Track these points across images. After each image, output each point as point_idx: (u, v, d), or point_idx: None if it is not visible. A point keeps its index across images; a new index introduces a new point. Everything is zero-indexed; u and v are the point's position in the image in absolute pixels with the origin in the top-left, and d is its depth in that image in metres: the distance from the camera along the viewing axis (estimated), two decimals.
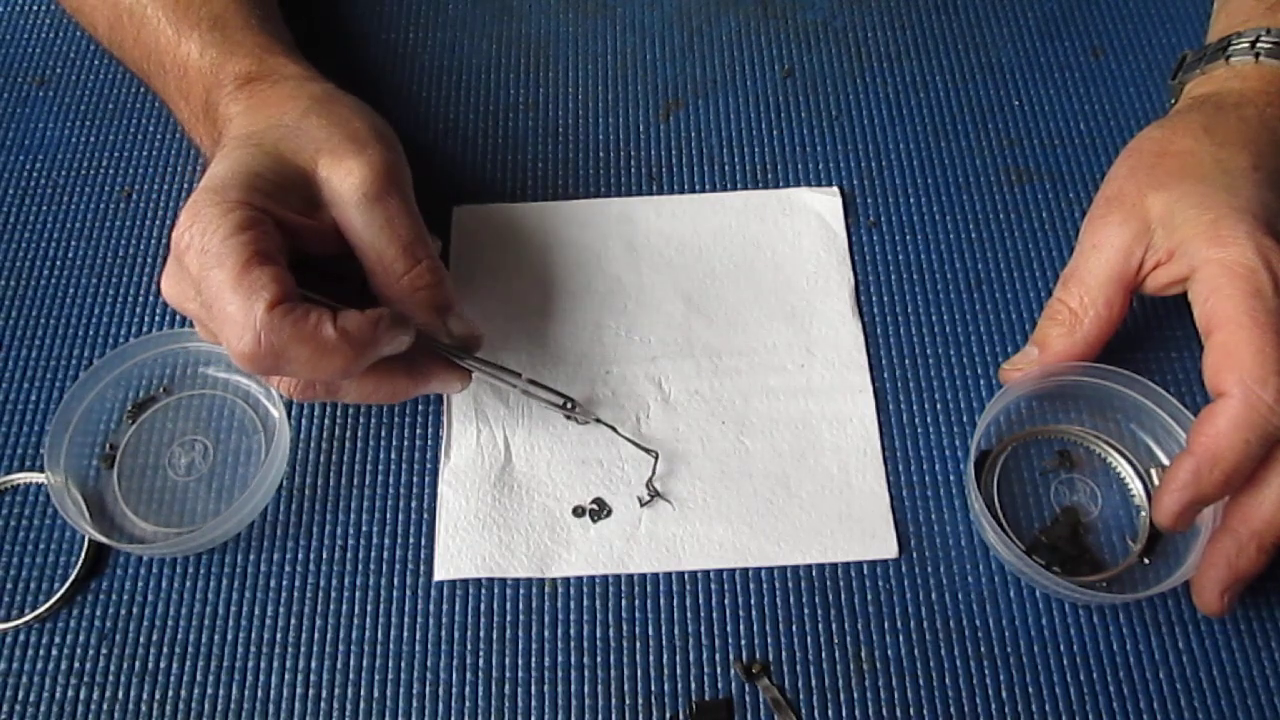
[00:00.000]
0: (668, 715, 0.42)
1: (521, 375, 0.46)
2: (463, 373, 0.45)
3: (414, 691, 0.43)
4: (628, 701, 0.42)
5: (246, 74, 0.47)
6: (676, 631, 0.44)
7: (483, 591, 0.45)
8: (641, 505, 0.46)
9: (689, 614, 0.44)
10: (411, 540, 0.46)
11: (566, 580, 0.45)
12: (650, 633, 0.44)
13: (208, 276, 0.38)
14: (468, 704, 0.43)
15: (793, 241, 0.53)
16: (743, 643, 0.44)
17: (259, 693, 0.43)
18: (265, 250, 0.39)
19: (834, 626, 0.44)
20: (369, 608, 0.44)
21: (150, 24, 0.50)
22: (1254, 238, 0.41)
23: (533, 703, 0.43)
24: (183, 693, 0.43)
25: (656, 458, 0.47)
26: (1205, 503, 0.40)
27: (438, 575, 0.45)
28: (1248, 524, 0.40)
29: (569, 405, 0.47)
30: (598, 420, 0.48)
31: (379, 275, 0.43)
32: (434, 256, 0.44)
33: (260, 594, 0.45)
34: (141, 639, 0.44)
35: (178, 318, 0.51)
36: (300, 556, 0.46)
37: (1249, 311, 0.40)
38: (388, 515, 0.46)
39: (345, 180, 0.42)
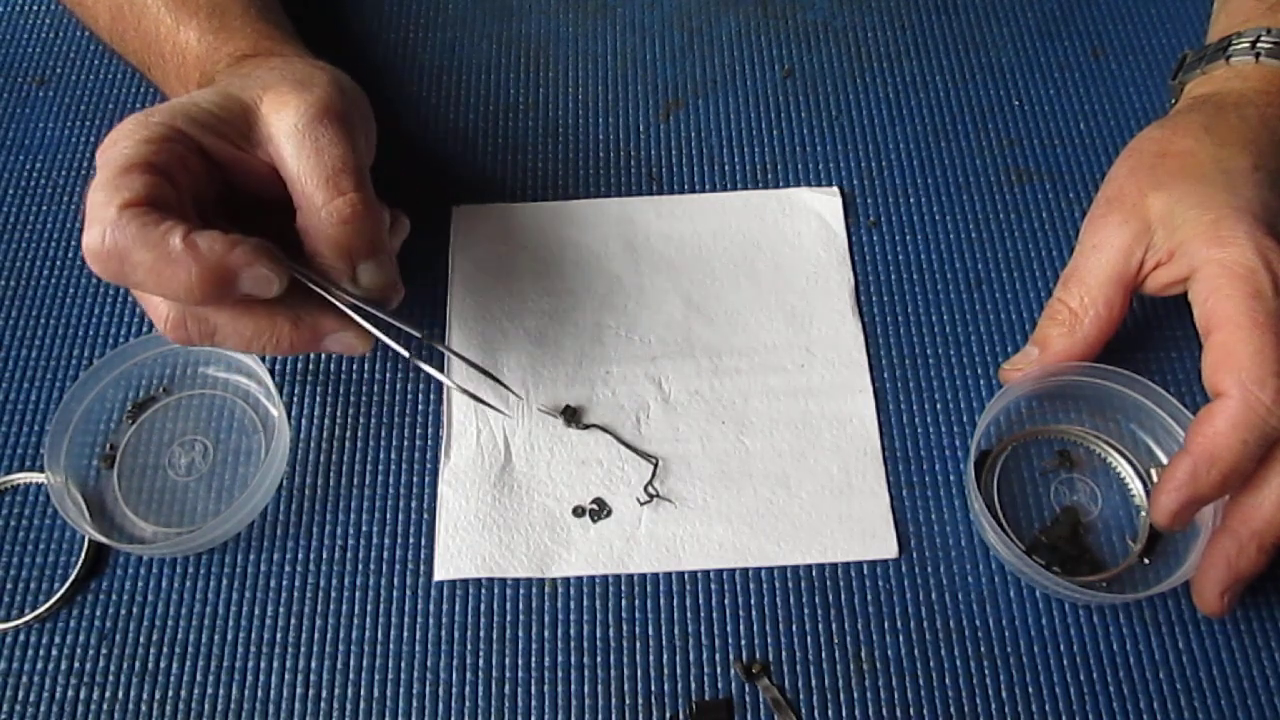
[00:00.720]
0: (668, 715, 0.42)
1: (420, 335, 0.43)
2: (360, 332, 0.42)
3: (414, 691, 0.43)
4: (628, 701, 0.42)
5: (242, 53, 0.48)
6: (676, 631, 0.44)
7: (483, 591, 0.45)
8: (641, 505, 0.46)
9: (689, 614, 0.44)
10: (411, 540, 0.46)
11: (566, 580, 0.45)
12: (650, 633, 0.44)
13: (93, 180, 0.38)
14: (468, 704, 0.43)
15: (793, 241, 0.53)
16: (743, 643, 0.44)
17: (259, 693, 0.43)
18: (158, 163, 0.38)
19: (834, 626, 0.44)
20: (369, 608, 0.44)
21: (150, 13, 0.51)
22: (1254, 238, 0.41)
23: (533, 703, 0.43)
24: (183, 693, 0.43)
25: (656, 464, 0.47)
26: (1202, 502, 0.40)
27: (438, 575, 0.45)
28: (1248, 524, 0.40)
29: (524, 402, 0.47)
30: (597, 427, 0.47)
31: (301, 207, 0.41)
32: (365, 191, 0.42)
33: (260, 594, 0.45)
34: (141, 639, 0.44)
35: None
36: (300, 556, 0.46)
37: (1248, 312, 0.40)
38: (388, 515, 0.46)
39: (280, 112, 0.42)
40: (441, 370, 0.46)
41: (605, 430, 0.47)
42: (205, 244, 0.37)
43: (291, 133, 0.41)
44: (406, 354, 0.43)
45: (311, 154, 0.41)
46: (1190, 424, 0.41)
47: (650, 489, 0.46)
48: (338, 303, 0.41)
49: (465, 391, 0.45)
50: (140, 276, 0.37)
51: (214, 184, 0.42)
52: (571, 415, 0.48)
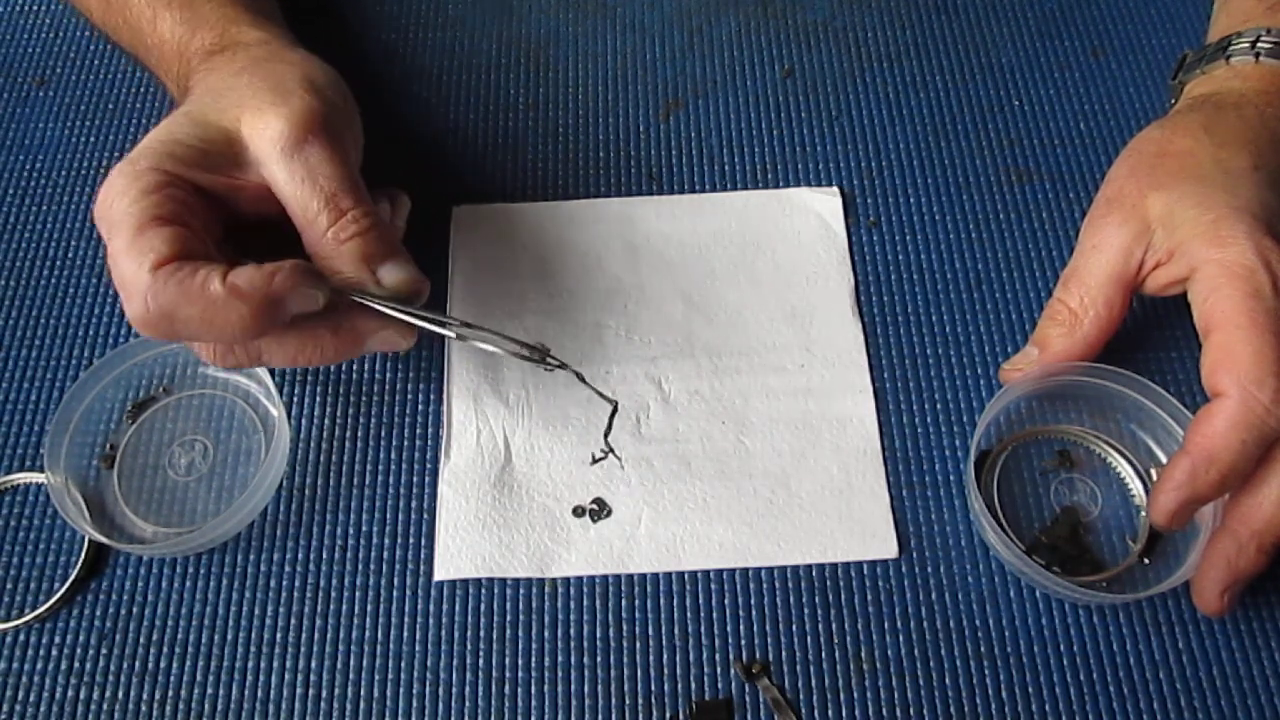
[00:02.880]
0: (668, 715, 0.42)
1: (456, 320, 0.44)
2: (404, 328, 0.43)
3: (414, 691, 0.43)
4: (628, 701, 0.42)
5: (210, 47, 0.47)
6: (676, 631, 0.44)
7: (483, 591, 0.45)
8: (593, 462, 0.46)
9: (689, 614, 0.44)
10: (411, 540, 0.46)
11: (566, 580, 0.45)
12: (650, 633, 0.44)
13: (110, 244, 0.38)
14: (468, 704, 0.43)
15: (793, 241, 0.53)
16: (743, 643, 0.44)
17: (259, 693, 0.43)
18: (168, 214, 0.38)
19: (834, 626, 0.44)
20: (369, 608, 0.44)
21: (133, 5, 0.51)
22: (1253, 238, 0.41)
23: (533, 703, 0.43)
24: (183, 693, 0.43)
25: (615, 408, 0.46)
26: (1201, 502, 0.40)
27: (438, 575, 0.45)
28: (1247, 524, 0.40)
29: (526, 349, 0.44)
30: (562, 366, 0.46)
31: (305, 231, 0.42)
32: (364, 204, 0.42)
33: (260, 594, 0.45)
34: (141, 639, 0.44)
35: None
36: (300, 556, 0.46)
37: (1247, 312, 0.40)
38: (388, 515, 0.46)
39: (263, 134, 0.41)
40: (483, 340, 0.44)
41: (568, 368, 0.46)
42: (245, 280, 0.37)
43: (279, 157, 0.41)
44: (453, 335, 0.43)
45: (304, 178, 0.41)
46: (1189, 424, 0.41)
47: (605, 444, 0.45)
48: (376, 305, 0.42)
49: (523, 355, 0.44)
50: (193, 329, 0.37)
51: (219, 216, 0.41)
52: (542, 354, 0.45)
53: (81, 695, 0.43)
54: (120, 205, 0.38)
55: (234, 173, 0.41)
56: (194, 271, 0.37)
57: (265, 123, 0.41)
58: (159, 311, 0.37)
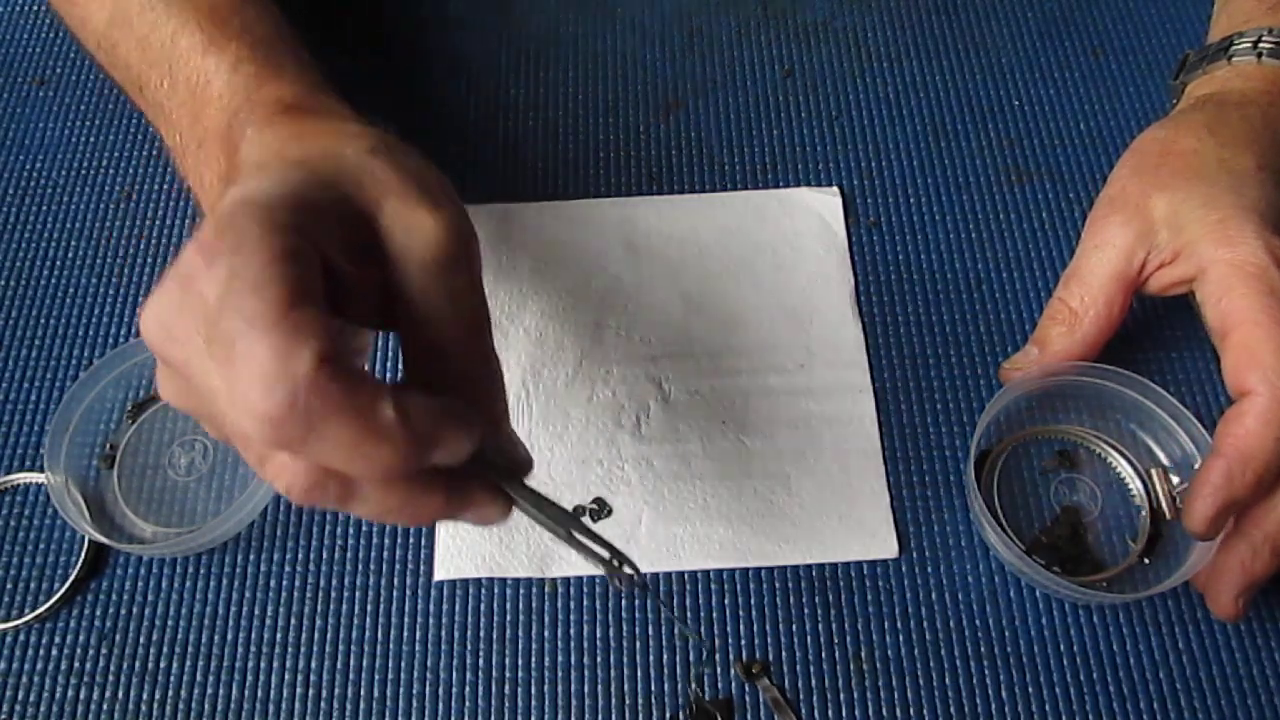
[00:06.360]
0: (668, 715, 0.42)
1: (578, 518, 0.36)
2: (507, 505, 0.34)
3: (414, 691, 0.43)
4: (628, 701, 0.42)
5: (293, 101, 0.39)
6: (677, 631, 0.44)
7: (483, 591, 0.45)
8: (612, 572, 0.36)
9: (689, 614, 0.44)
10: (411, 540, 0.46)
11: (566, 580, 0.45)
12: (650, 633, 0.44)
13: (236, 304, 0.28)
14: (468, 704, 0.43)
15: (793, 241, 0.53)
16: (743, 643, 0.44)
17: (259, 693, 0.43)
18: (318, 296, 0.29)
19: (834, 626, 0.44)
20: (369, 608, 0.44)
21: (164, 27, 0.43)
22: (1262, 237, 0.41)
23: (533, 703, 0.43)
24: (183, 693, 0.43)
25: (709, 649, 0.43)
26: (1239, 505, 0.39)
27: (438, 575, 0.45)
28: (1261, 527, 0.40)
29: (616, 563, 0.35)
30: (645, 588, 0.43)
31: (430, 358, 0.34)
32: (496, 355, 0.35)
33: (260, 594, 0.45)
34: (141, 639, 0.44)
35: None
36: (300, 556, 0.46)
37: (1265, 309, 0.40)
38: None
39: (415, 235, 0.33)
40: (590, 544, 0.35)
41: (660, 602, 0.43)
42: (418, 413, 0.29)
43: (430, 266, 0.33)
44: (560, 531, 0.35)
45: (452, 300, 0.33)
46: (1218, 426, 0.40)
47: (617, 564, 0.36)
48: (501, 483, 0.34)
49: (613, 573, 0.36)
50: (327, 449, 0.28)
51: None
52: (620, 564, 0.35)
53: (81, 695, 0.43)
54: (257, 259, 0.28)
55: (354, 260, 0.32)
56: (361, 383, 0.28)
57: (418, 221, 0.33)
58: (306, 414, 0.27)
